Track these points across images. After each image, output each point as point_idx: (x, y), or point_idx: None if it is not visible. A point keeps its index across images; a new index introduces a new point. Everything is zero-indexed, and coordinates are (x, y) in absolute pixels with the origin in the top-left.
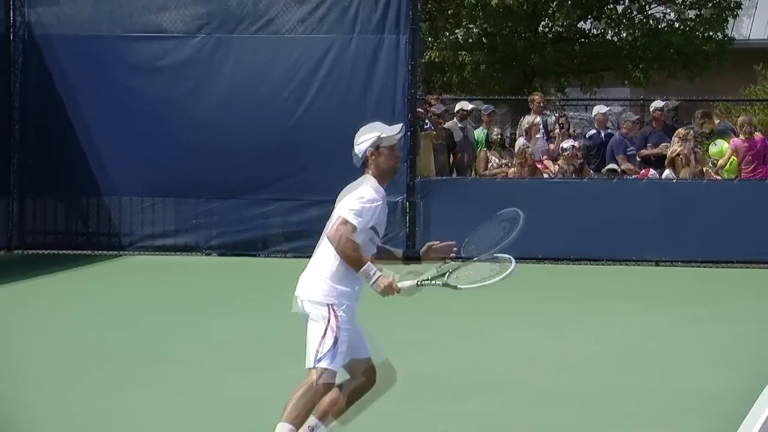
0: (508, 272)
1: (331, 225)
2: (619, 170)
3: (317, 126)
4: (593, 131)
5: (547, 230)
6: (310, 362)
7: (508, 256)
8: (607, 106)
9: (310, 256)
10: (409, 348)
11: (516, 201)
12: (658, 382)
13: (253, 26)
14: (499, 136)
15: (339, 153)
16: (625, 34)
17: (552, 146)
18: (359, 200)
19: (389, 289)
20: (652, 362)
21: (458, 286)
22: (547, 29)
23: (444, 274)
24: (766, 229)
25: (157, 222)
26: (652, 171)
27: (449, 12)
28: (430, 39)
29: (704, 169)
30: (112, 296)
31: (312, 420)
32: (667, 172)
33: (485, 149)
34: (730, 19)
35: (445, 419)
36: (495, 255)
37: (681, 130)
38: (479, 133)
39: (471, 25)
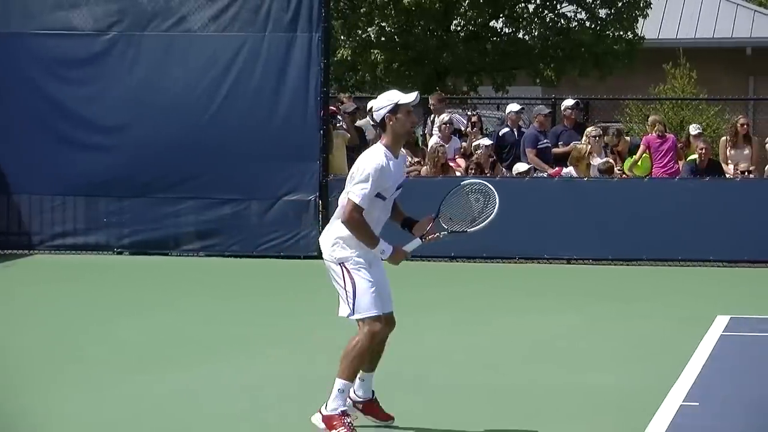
0: (496, 203)
1: (343, 207)
2: (526, 170)
3: (230, 124)
4: (506, 129)
5: None
6: (348, 315)
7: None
8: (520, 104)
9: (222, 255)
10: (327, 345)
11: (428, 199)
12: (571, 378)
13: (165, 24)
14: (412, 134)
15: (252, 151)
16: (536, 33)
17: (464, 145)
18: (359, 179)
19: (401, 259)
20: (565, 359)
21: (467, 230)
22: (459, 28)
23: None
24: (674, 227)
25: (68, 221)
26: (565, 170)
27: (361, 10)
28: (342, 37)
29: (616, 168)
30: (22, 295)
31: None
32: (569, 170)
33: None
34: (641, 19)
35: (359, 416)
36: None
37: (591, 130)
38: None
39: (383, 24)
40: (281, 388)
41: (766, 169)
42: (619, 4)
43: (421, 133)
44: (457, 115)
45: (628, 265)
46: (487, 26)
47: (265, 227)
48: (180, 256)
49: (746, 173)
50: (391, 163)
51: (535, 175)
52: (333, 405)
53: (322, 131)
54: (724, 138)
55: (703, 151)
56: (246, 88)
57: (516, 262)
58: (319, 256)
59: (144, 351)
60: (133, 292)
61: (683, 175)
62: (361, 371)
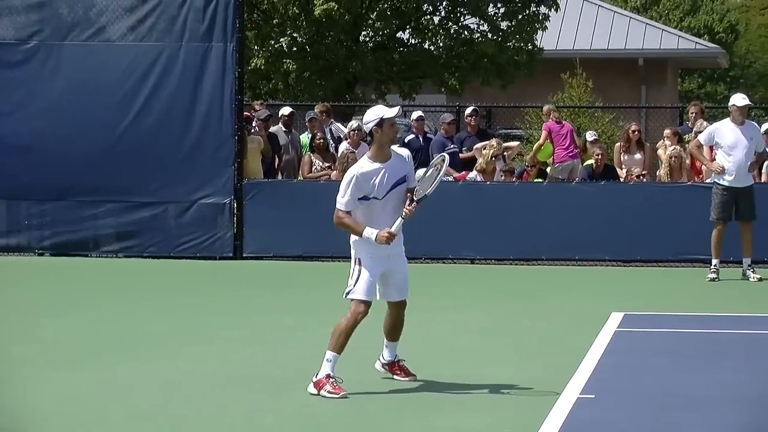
0: (442, 172)
1: None
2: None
3: (148, 130)
4: (412, 136)
5: None
6: (345, 294)
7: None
8: (425, 111)
9: (141, 256)
10: (235, 344)
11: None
12: (473, 372)
13: (85, 34)
14: (322, 141)
15: (169, 156)
16: (441, 44)
17: None
18: (341, 186)
19: (388, 238)
20: (467, 354)
21: (426, 193)
22: (367, 38)
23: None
24: (571, 228)
25: None
26: (470, 174)
27: (274, 21)
28: (255, 47)
29: (515, 170)
30: None
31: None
32: (474, 174)
33: (309, 153)
34: (540, 31)
35: (269, 412)
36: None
37: (493, 140)
38: (303, 138)
39: (295, 34)
40: (197, 385)
41: (657, 173)
42: (520, 17)
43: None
44: (339, 125)
45: (528, 264)
46: (395, 37)
47: (181, 229)
48: (99, 257)
49: (639, 177)
50: (377, 168)
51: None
52: (322, 372)
53: (236, 137)
54: (618, 144)
55: (599, 156)
56: (163, 95)
57: (422, 262)
58: (234, 257)
59: (65, 349)
60: (54, 292)
61: (580, 178)
62: (385, 339)
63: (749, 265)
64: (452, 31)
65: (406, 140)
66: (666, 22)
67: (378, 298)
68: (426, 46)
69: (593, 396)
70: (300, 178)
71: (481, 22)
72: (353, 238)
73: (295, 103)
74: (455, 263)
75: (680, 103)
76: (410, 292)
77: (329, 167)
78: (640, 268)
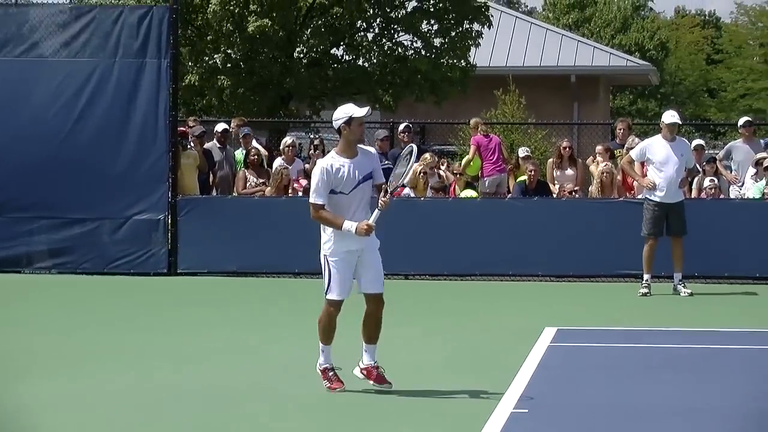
0: (412, 162)
1: None
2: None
3: (82, 146)
4: None
5: (302, 246)
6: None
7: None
8: None
9: (74, 272)
10: (171, 360)
11: (272, 219)
12: (408, 387)
13: (17, 49)
14: (257, 157)
15: (103, 172)
16: (375, 61)
17: (308, 166)
18: (312, 182)
19: (367, 230)
20: (403, 370)
21: (401, 182)
22: (301, 55)
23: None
24: (505, 244)
25: None
26: (405, 190)
27: (208, 38)
28: (190, 63)
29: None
30: None
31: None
32: (408, 190)
33: (244, 169)
34: (473, 48)
35: (209, 427)
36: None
37: (427, 156)
38: (238, 154)
39: (229, 51)
40: (133, 402)
41: (589, 189)
42: (453, 34)
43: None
44: (257, 145)
45: (462, 280)
46: (329, 53)
47: (116, 245)
48: (33, 273)
49: (571, 193)
50: (343, 164)
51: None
52: (319, 362)
53: (170, 153)
54: (550, 160)
55: (532, 172)
56: (97, 111)
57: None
58: (168, 273)
59: None
60: None
61: (514, 195)
62: (364, 343)
63: (680, 280)
64: (386, 47)
65: None
66: (598, 39)
67: (359, 291)
68: (360, 62)
69: (527, 410)
70: (234, 194)
71: (415, 38)
72: (324, 239)
73: (230, 119)
74: (389, 278)
75: (612, 119)
76: (346, 309)
77: (263, 183)
78: (572, 284)
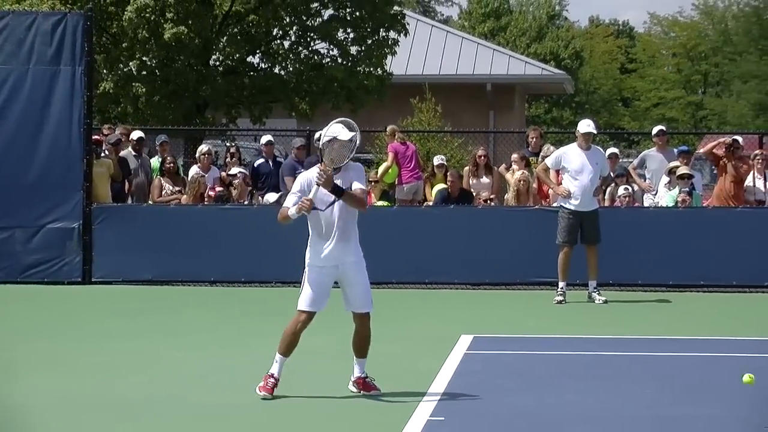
0: (357, 140)
1: None
2: (276, 199)
3: None
4: (261, 160)
5: (218, 254)
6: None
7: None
8: (275, 136)
9: None
10: (85, 369)
11: (188, 227)
12: (325, 396)
13: None
14: (172, 164)
15: (16, 180)
16: (291, 69)
17: (224, 174)
18: (291, 191)
19: (307, 205)
20: (319, 378)
21: (339, 165)
22: (217, 63)
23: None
24: (421, 252)
25: None
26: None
27: (123, 45)
28: (104, 71)
29: None
30: None
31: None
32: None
33: (159, 177)
34: (389, 56)
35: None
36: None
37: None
38: (154, 162)
39: (144, 58)
40: (47, 412)
41: (505, 197)
42: (369, 42)
43: (182, 162)
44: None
45: (378, 288)
46: (245, 61)
47: (29, 254)
48: None
49: (487, 201)
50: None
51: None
52: (271, 369)
53: (85, 161)
54: (466, 168)
55: (452, 181)
56: (10, 119)
57: (272, 286)
58: (83, 282)
59: None
60: None
61: (436, 202)
62: (354, 357)
63: (595, 288)
64: (302, 55)
65: (255, 165)
66: (513, 48)
67: (345, 309)
68: (276, 70)
69: (443, 418)
70: (150, 202)
71: (331, 46)
72: (307, 249)
73: (145, 127)
74: None
75: (527, 128)
76: (256, 318)
77: (179, 191)
78: (489, 291)
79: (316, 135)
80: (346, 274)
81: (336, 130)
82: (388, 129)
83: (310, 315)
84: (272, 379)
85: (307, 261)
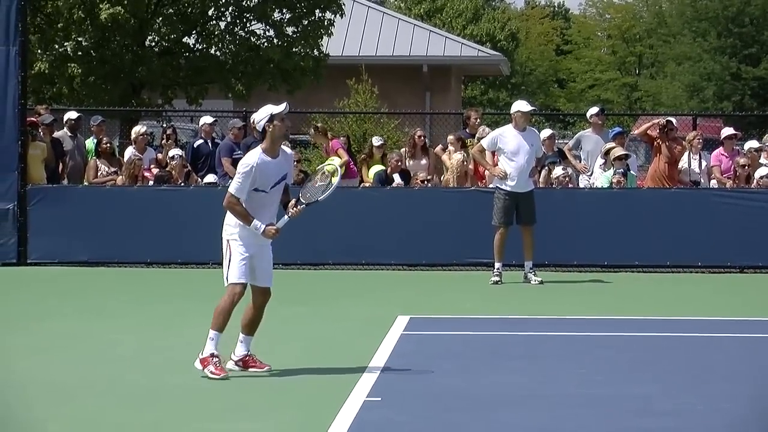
0: (335, 183)
1: None
2: (217, 181)
3: None
4: (200, 141)
5: (154, 236)
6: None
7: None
8: (213, 117)
9: None
10: (18, 351)
11: (124, 208)
12: (260, 376)
13: None
14: (108, 145)
15: None
16: (227, 50)
17: (160, 156)
18: (237, 173)
19: (274, 234)
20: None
21: (318, 199)
22: (153, 43)
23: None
24: (358, 233)
25: None
26: None
27: (58, 25)
28: (39, 51)
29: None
30: None
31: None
32: None
33: (95, 158)
34: (325, 37)
35: (54, 420)
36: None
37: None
38: (89, 143)
39: (80, 38)
40: None
41: (442, 178)
42: (305, 23)
43: (117, 144)
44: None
45: (315, 269)
46: (181, 42)
47: None
48: None
49: (424, 182)
50: (268, 162)
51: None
52: (206, 349)
53: (20, 142)
54: (403, 149)
55: (398, 162)
56: None
57: (209, 267)
58: (18, 264)
59: None
60: None
61: (373, 184)
62: (241, 334)
63: (531, 269)
64: (238, 36)
65: (195, 145)
66: (449, 29)
67: (250, 282)
68: (212, 51)
69: (380, 399)
70: (85, 183)
71: (267, 27)
72: (229, 222)
73: (80, 107)
74: None
75: (464, 109)
76: (194, 299)
77: (115, 173)
78: (424, 272)
79: (252, 117)
80: (263, 250)
81: (268, 108)
82: (318, 128)
83: (244, 286)
84: (217, 359)
85: (231, 235)
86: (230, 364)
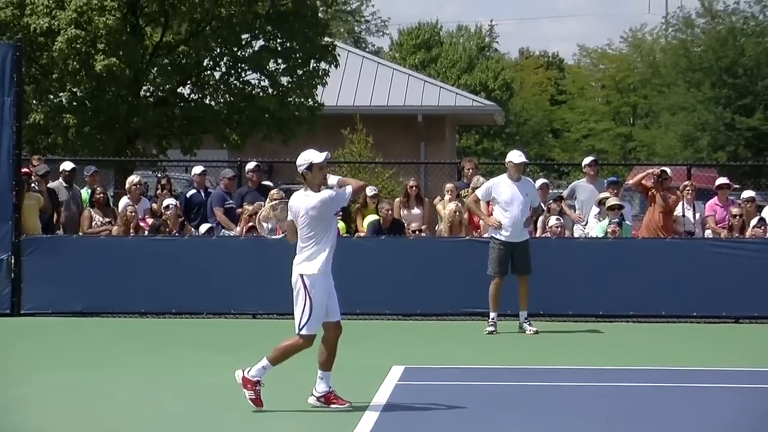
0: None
1: None
2: (214, 226)
3: None
4: (193, 191)
5: (149, 286)
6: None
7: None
8: (206, 166)
9: None
10: (12, 400)
11: (118, 258)
12: (255, 426)
13: None
14: (102, 195)
15: None
16: (222, 100)
17: (155, 206)
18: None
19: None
20: (244, 408)
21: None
22: (148, 93)
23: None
24: (352, 282)
25: None
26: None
27: (54, 76)
28: (34, 101)
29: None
30: None
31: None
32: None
33: (89, 208)
34: (320, 87)
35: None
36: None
37: (273, 193)
38: (84, 193)
39: (75, 89)
40: None
41: (437, 228)
42: (300, 73)
43: (112, 193)
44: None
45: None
46: (175, 92)
47: None
48: None
49: (415, 232)
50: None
51: (222, 233)
52: (254, 373)
53: (14, 192)
54: (397, 199)
55: (388, 212)
56: None
57: (203, 318)
58: (12, 314)
59: None
60: None
61: (367, 233)
62: (320, 371)
63: (526, 318)
64: (233, 86)
65: (188, 195)
66: (444, 79)
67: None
68: (207, 101)
69: None
70: (80, 233)
71: (262, 77)
72: (306, 270)
73: (75, 158)
74: (237, 318)
75: (458, 159)
76: (188, 349)
77: (110, 222)
78: (420, 322)
79: (298, 163)
80: (333, 289)
81: (309, 155)
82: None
83: (313, 339)
84: (259, 388)
85: (310, 282)
86: (311, 400)
